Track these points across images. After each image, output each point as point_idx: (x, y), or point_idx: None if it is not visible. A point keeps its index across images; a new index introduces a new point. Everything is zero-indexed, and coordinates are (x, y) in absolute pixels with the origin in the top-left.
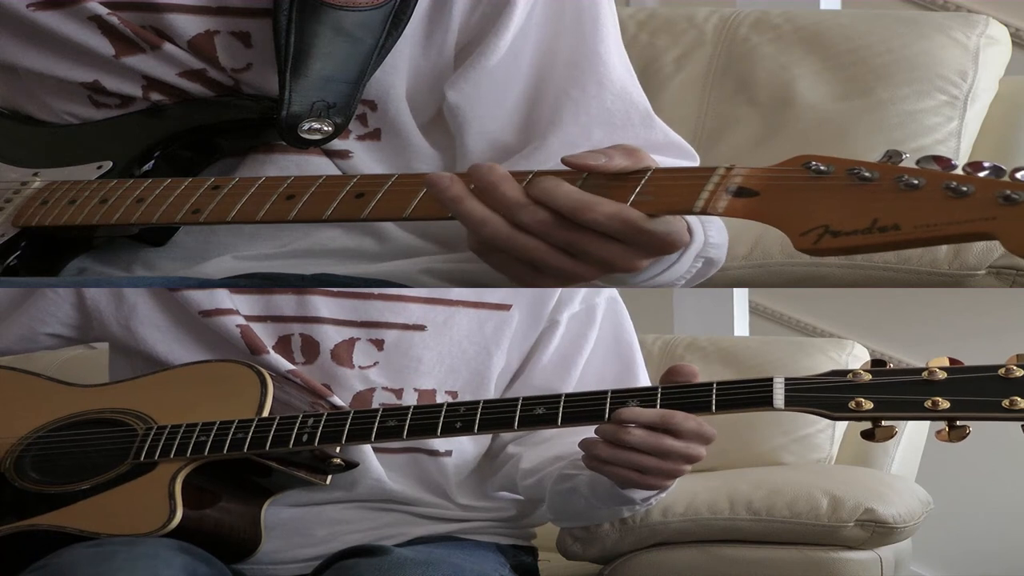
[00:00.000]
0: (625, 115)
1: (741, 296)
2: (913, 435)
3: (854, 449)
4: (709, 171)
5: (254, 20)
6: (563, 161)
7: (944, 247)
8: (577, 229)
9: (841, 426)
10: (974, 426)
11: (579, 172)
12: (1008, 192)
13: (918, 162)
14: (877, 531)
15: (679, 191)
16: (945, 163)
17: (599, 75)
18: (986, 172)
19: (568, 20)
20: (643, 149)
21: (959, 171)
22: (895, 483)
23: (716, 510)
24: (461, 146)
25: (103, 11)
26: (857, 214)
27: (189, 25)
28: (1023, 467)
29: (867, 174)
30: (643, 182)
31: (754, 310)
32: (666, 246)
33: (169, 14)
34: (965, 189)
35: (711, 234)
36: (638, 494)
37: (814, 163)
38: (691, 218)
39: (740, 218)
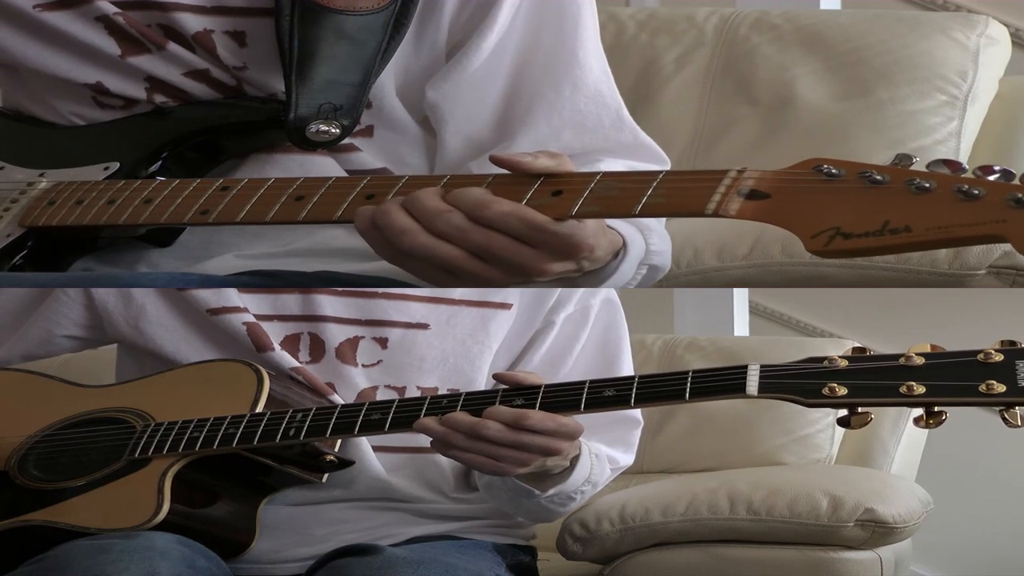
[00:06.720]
0: (596, 117)
1: (741, 296)
2: (913, 435)
3: (854, 449)
4: (721, 174)
5: (250, 19)
6: (490, 158)
7: None
8: (487, 232)
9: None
10: (975, 426)
11: (486, 176)
12: (1019, 195)
13: (928, 166)
14: (877, 531)
15: (691, 193)
16: (955, 166)
17: (575, 77)
18: (996, 176)
19: (550, 21)
20: (603, 151)
21: (969, 174)
22: (895, 483)
23: (716, 510)
24: (440, 141)
25: (111, 10)
26: (868, 216)
27: (192, 23)
28: (1023, 467)
29: (878, 177)
30: (655, 184)
31: (754, 310)
32: (570, 248)
33: (174, 12)
34: (976, 192)
35: (653, 242)
36: (542, 486)
37: (825, 166)
38: (628, 230)
39: (752, 220)
